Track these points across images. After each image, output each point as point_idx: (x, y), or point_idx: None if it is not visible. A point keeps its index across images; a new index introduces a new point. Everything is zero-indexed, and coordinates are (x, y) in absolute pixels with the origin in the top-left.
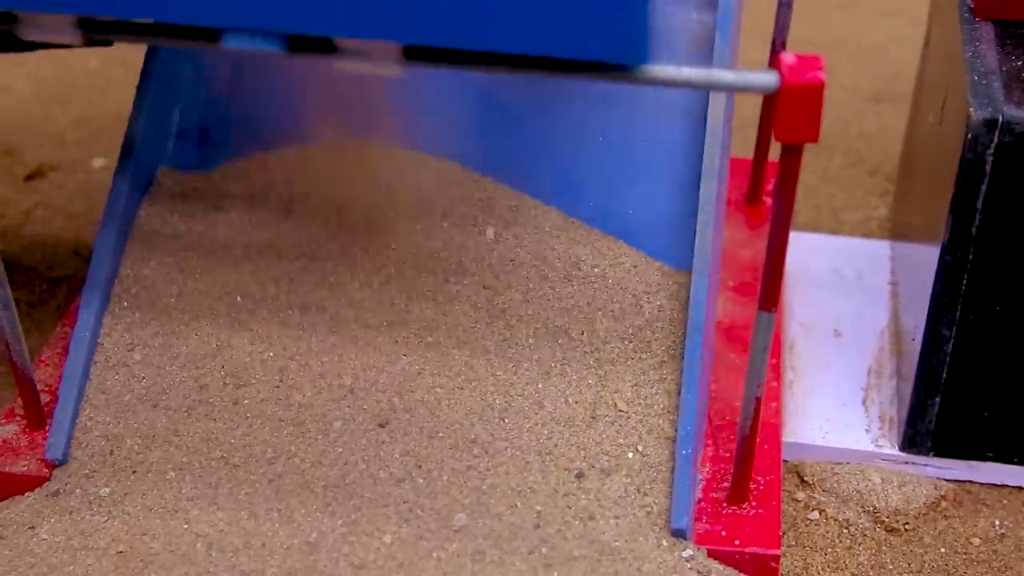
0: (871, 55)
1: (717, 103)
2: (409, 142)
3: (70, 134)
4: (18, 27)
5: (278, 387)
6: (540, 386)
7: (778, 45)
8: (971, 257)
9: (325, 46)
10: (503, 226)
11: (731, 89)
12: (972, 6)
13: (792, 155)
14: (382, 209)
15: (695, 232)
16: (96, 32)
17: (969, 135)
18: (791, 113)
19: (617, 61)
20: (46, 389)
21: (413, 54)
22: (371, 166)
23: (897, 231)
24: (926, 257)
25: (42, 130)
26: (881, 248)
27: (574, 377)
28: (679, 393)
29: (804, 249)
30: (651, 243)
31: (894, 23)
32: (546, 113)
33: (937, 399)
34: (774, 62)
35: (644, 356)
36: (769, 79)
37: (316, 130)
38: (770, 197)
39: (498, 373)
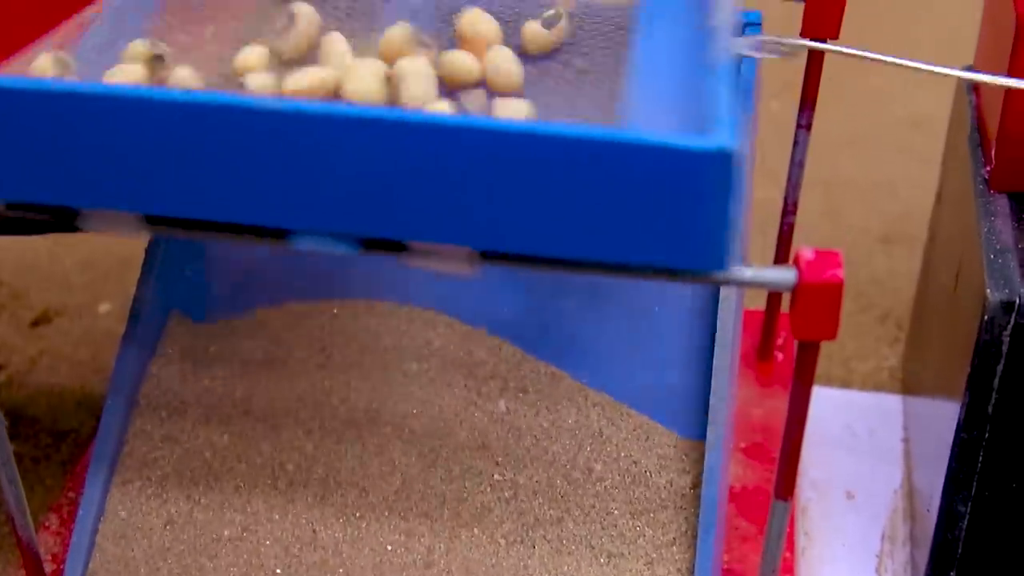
0: (880, 194)
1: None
2: (421, 300)
3: (76, 277)
4: (80, 220)
5: (288, 565)
6: (552, 566)
7: (790, 204)
8: (987, 435)
9: (396, 247)
10: (513, 395)
11: (748, 285)
12: (987, 177)
13: (809, 351)
14: (390, 371)
15: (707, 401)
16: (163, 228)
17: (986, 317)
18: (808, 311)
19: (696, 268)
20: (50, 558)
21: (487, 256)
22: (381, 324)
23: (909, 384)
24: (938, 414)
25: (48, 272)
26: (893, 402)
27: (586, 555)
28: (692, 572)
29: (816, 404)
30: (662, 411)
31: (903, 161)
32: (558, 277)
33: (952, 574)
34: (784, 256)
35: (657, 533)
36: (786, 276)
37: (327, 286)
38: (782, 352)
39: (509, 551)
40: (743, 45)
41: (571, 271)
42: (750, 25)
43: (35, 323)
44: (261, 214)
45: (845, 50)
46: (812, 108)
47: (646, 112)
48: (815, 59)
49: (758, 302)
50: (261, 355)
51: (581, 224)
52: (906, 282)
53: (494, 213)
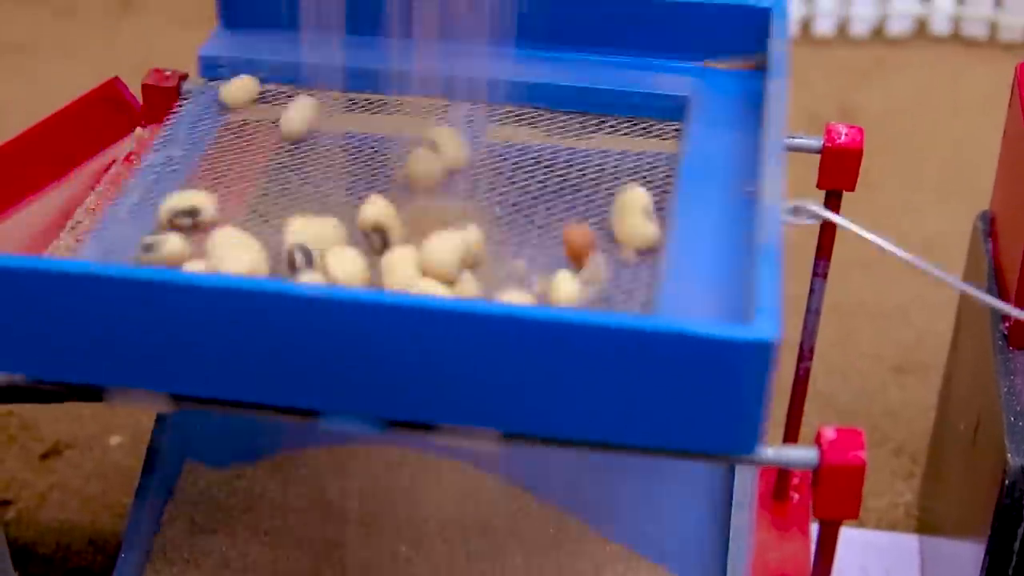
0: (893, 320)
1: None
2: (441, 449)
3: (86, 408)
4: (108, 396)
5: None
6: None
7: (806, 350)
8: None
9: (424, 426)
10: (532, 549)
11: (771, 464)
12: (1007, 334)
13: (830, 530)
14: (410, 521)
15: (725, 554)
16: (191, 404)
17: (1007, 481)
18: (830, 492)
19: (726, 451)
20: None
21: (512, 436)
22: (400, 472)
23: (925, 523)
24: (958, 560)
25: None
26: (910, 543)
27: None
28: None
29: None
30: (681, 563)
31: (915, 284)
32: None
33: None
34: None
35: None
36: (808, 456)
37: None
38: (797, 492)
39: None
40: (786, 210)
41: (599, 452)
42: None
43: (45, 455)
44: (289, 395)
45: (862, 233)
46: (828, 258)
47: (689, 289)
48: (830, 208)
49: (775, 432)
50: (274, 504)
51: (615, 409)
52: (919, 413)
53: (525, 397)
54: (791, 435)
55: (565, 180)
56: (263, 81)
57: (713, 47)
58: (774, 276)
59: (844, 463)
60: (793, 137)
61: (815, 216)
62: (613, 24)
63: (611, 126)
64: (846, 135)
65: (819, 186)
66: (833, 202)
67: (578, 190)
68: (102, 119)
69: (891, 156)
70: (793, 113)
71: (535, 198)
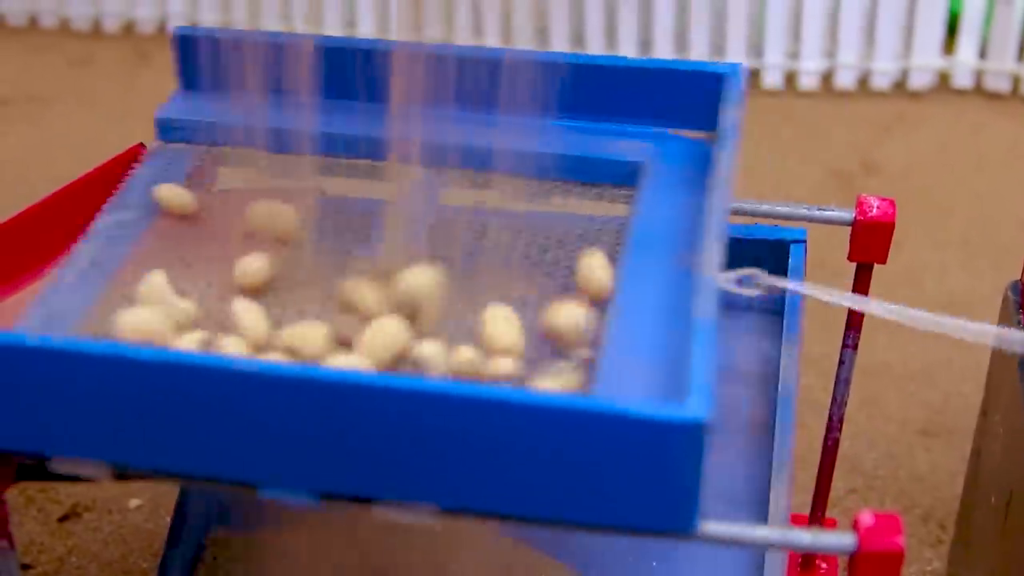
0: (918, 382)
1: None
2: None
3: None
4: (51, 463)
5: None
6: None
7: (835, 421)
8: None
9: (362, 500)
10: None
11: (807, 551)
12: None
13: None
14: None
15: None
16: (132, 476)
17: None
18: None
19: (662, 529)
20: None
21: (452, 512)
22: (429, 532)
23: None
24: None
25: None
26: None
27: None
28: None
29: None
30: None
31: (941, 346)
32: None
33: None
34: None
35: None
36: (845, 543)
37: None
38: (825, 562)
39: None
40: (730, 280)
41: (538, 527)
42: (795, 243)
43: (63, 518)
44: (226, 468)
45: (884, 309)
46: (859, 329)
47: (627, 364)
48: (861, 281)
49: (803, 500)
50: (302, 566)
51: (554, 485)
52: (947, 478)
53: (465, 473)
54: (819, 505)
55: (516, 244)
56: (218, 144)
57: (670, 113)
58: (708, 353)
59: (882, 550)
60: (824, 209)
61: (767, 286)
62: (573, 90)
63: (565, 190)
64: (878, 208)
65: (850, 258)
66: (864, 274)
67: (527, 254)
68: None
69: (914, 212)
70: (815, 168)
71: (483, 259)
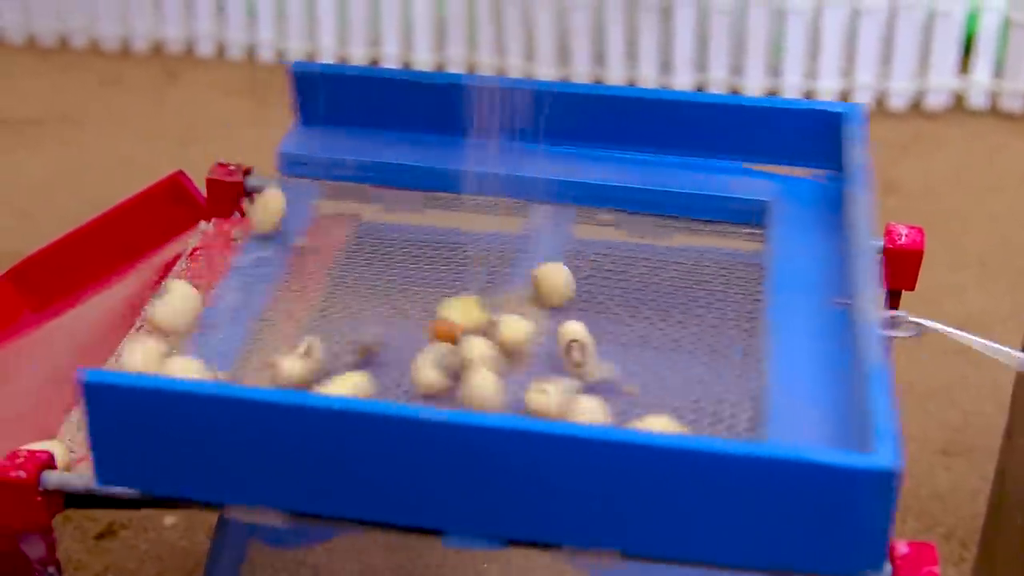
0: (937, 402)
1: None
2: None
3: None
4: (230, 511)
5: None
6: None
7: None
8: None
9: (545, 545)
10: None
11: None
12: None
13: None
14: None
15: None
16: (312, 520)
17: None
18: None
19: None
20: None
21: (634, 556)
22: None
23: None
24: None
25: None
26: None
27: None
28: None
29: None
30: None
31: (959, 365)
32: None
33: None
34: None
35: None
36: (882, 571)
37: None
38: None
39: None
40: (884, 322)
41: (723, 571)
42: None
43: (100, 536)
44: (412, 515)
45: (965, 339)
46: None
47: (795, 409)
48: (890, 306)
49: None
50: None
51: (736, 531)
52: (968, 497)
53: (647, 520)
54: None
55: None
56: (339, 178)
57: (791, 151)
58: (887, 400)
59: None
60: None
61: (915, 327)
62: (694, 128)
63: (691, 228)
64: (907, 236)
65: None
66: (893, 301)
67: (660, 289)
68: (167, 212)
69: (931, 233)
70: None
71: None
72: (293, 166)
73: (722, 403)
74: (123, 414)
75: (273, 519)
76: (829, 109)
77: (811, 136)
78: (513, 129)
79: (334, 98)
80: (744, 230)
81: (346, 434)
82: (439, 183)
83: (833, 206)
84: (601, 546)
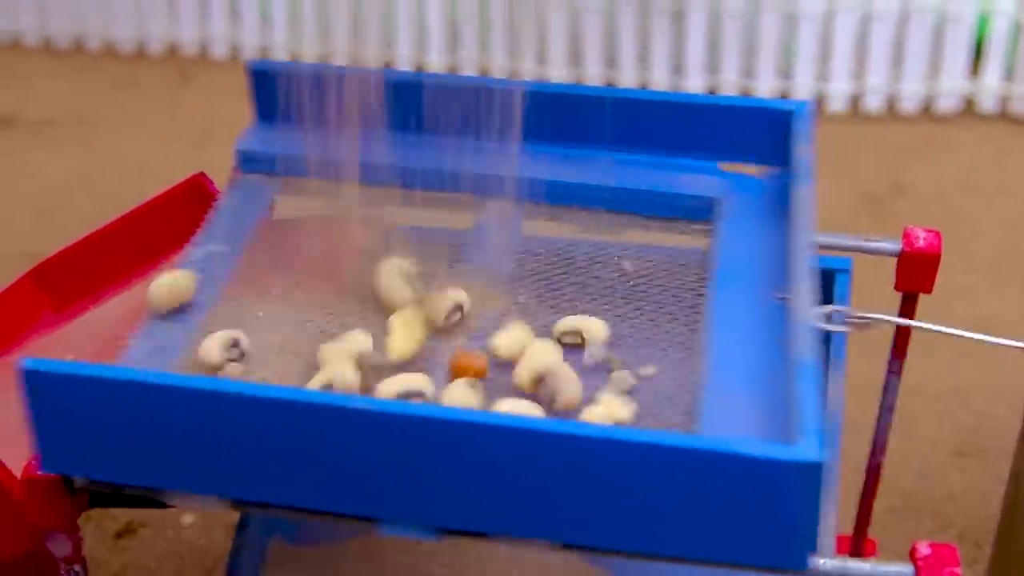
0: (949, 403)
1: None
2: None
3: None
4: (167, 497)
5: None
6: None
7: (879, 446)
8: None
9: (478, 535)
10: None
11: None
12: None
13: None
14: None
15: None
16: (250, 508)
17: None
18: None
19: (774, 566)
20: None
21: (565, 547)
22: (490, 551)
23: None
24: None
25: None
26: None
27: None
28: None
29: None
30: None
31: (973, 367)
32: None
33: None
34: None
35: None
36: (904, 573)
37: None
38: None
39: None
40: (819, 316)
41: (650, 561)
42: (840, 272)
43: (119, 534)
44: (348, 503)
45: (936, 328)
46: (903, 356)
47: (725, 406)
48: (907, 310)
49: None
50: None
51: (666, 522)
52: (981, 498)
53: (578, 511)
54: (862, 527)
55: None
56: (292, 174)
57: (738, 148)
58: (814, 394)
59: None
60: (870, 240)
61: (857, 322)
62: (640, 125)
63: (641, 224)
64: (924, 239)
65: (897, 288)
66: (909, 304)
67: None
68: (187, 213)
69: (943, 236)
70: (846, 190)
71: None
72: (250, 163)
73: (658, 396)
74: (62, 401)
75: (213, 506)
76: (777, 107)
77: (761, 134)
78: (467, 126)
79: (290, 95)
80: (694, 226)
81: (281, 423)
82: (395, 179)
83: (781, 202)
84: (533, 536)
